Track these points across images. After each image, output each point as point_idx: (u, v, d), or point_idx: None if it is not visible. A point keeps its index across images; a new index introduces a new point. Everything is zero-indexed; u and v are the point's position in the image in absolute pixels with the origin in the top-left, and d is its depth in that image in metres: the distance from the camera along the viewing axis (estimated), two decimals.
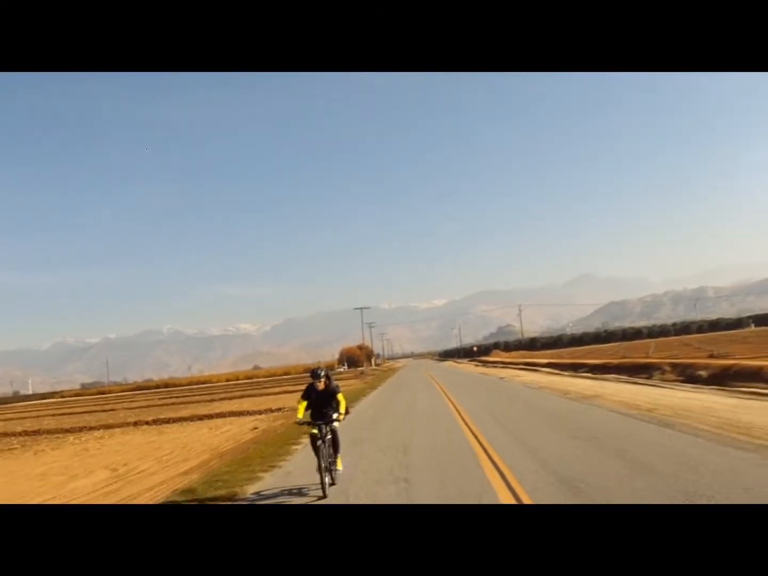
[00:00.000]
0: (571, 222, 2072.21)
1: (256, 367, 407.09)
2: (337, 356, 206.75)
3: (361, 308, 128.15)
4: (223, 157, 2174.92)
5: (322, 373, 10.81)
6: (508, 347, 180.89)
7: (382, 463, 12.71)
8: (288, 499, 10.48)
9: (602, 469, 10.27)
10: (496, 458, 11.94)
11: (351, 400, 34.95)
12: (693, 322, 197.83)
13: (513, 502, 8.33)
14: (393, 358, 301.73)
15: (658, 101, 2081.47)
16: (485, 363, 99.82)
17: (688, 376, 29.66)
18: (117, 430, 32.79)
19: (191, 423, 32.03)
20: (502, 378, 46.48)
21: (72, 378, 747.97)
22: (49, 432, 35.99)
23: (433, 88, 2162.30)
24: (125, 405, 67.70)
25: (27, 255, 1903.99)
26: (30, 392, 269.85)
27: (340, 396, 10.81)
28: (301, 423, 10.75)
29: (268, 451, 16.09)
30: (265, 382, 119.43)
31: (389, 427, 19.82)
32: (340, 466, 11.16)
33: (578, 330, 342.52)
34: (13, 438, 34.49)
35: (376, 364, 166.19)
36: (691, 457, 10.56)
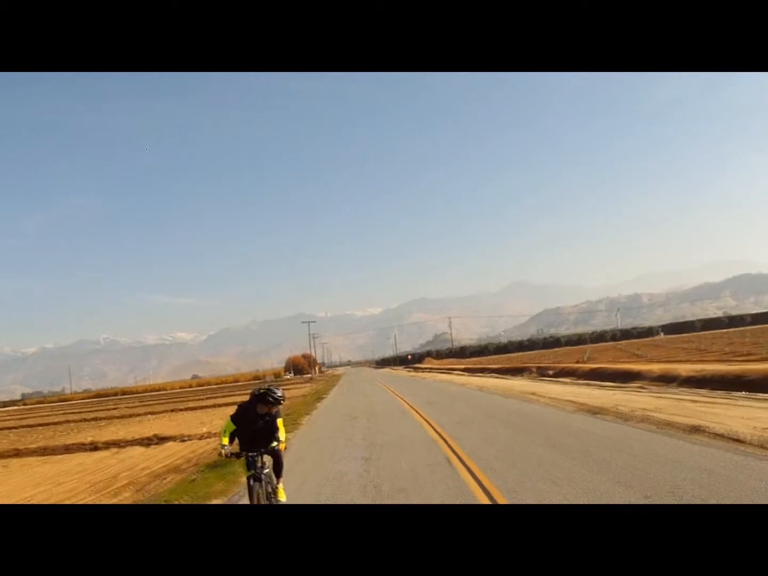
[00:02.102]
0: (505, 229, 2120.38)
1: (194, 376, 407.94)
2: (274, 365, 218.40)
3: (308, 322, 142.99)
4: (157, 166, 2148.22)
5: (280, 394, 8.02)
6: (439, 355, 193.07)
7: (360, 405, 31.00)
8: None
9: (443, 400, 28.62)
10: (405, 399, 30.47)
11: (323, 393, 51.60)
12: (607, 332, 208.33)
13: (411, 410, 25.27)
14: (331, 366, 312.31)
15: (591, 105, 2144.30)
16: (417, 369, 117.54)
17: (542, 374, 47.50)
18: (165, 414, 45.32)
19: (219, 408, 44.70)
20: (423, 378, 65.38)
21: (10, 389, 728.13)
22: (106, 419, 48.16)
23: (358, 94, 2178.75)
24: (112, 406, 76.54)
25: None
26: None
27: (279, 422, 8.25)
28: (228, 455, 8.00)
29: (305, 406, 33.33)
30: (219, 389, 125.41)
31: (357, 397, 39.00)
32: (282, 495, 8.46)
33: (514, 337, 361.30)
34: (86, 423, 45.87)
35: (321, 372, 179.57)
36: (471, 396, 29.48)
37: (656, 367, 33.16)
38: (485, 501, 8.58)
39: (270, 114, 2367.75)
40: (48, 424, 49.49)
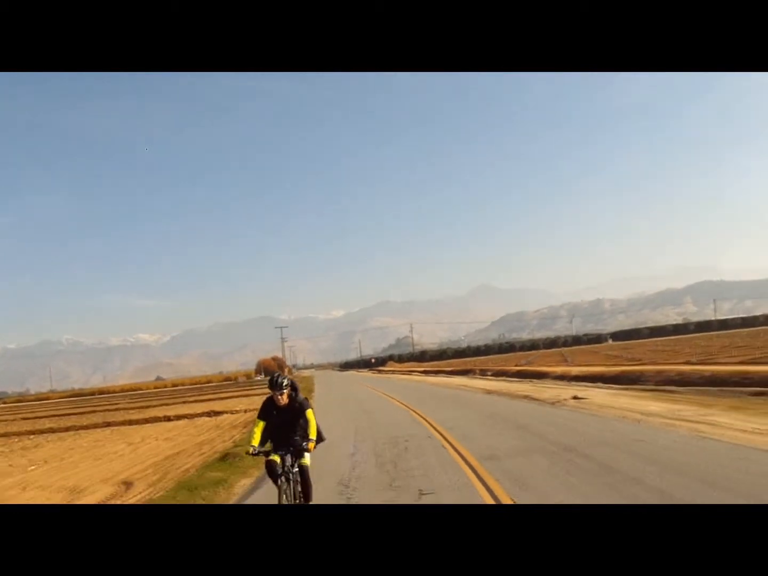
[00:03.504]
0: (470, 234, 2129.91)
1: (158, 378, 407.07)
2: (238, 367, 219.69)
3: (281, 327, 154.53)
4: (122, 168, 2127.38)
5: (285, 382, 7.92)
6: (401, 359, 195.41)
7: (345, 395, 44.48)
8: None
9: (403, 390, 41.94)
10: (377, 390, 43.70)
11: (309, 390, 62.84)
12: (560, 338, 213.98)
13: (383, 396, 37.92)
14: (296, 369, 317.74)
15: (557, 109, 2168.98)
16: (380, 371, 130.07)
17: (483, 374, 60.40)
18: (178, 405, 55.55)
19: (225, 400, 55.40)
20: (389, 378, 78.60)
21: None
22: (131, 409, 58.24)
23: (309, 98, 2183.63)
24: (109, 403, 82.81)
25: None
26: None
27: (309, 413, 7.99)
28: (255, 453, 7.86)
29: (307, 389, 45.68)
30: (197, 389, 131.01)
31: (341, 391, 51.78)
32: (305, 460, 8.12)
33: (477, 341, 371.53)
34: (114, 412, 56.12)
35: (291, 374, 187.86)
36: (423, 388, 43.21)
37: (560, 370, 46.18)
38: (422, 421, 20.81)
39: (223, 117, 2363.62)
40: (80, 414, 58.99)
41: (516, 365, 67.72)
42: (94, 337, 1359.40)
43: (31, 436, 35.47)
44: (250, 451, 7.82)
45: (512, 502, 8.46)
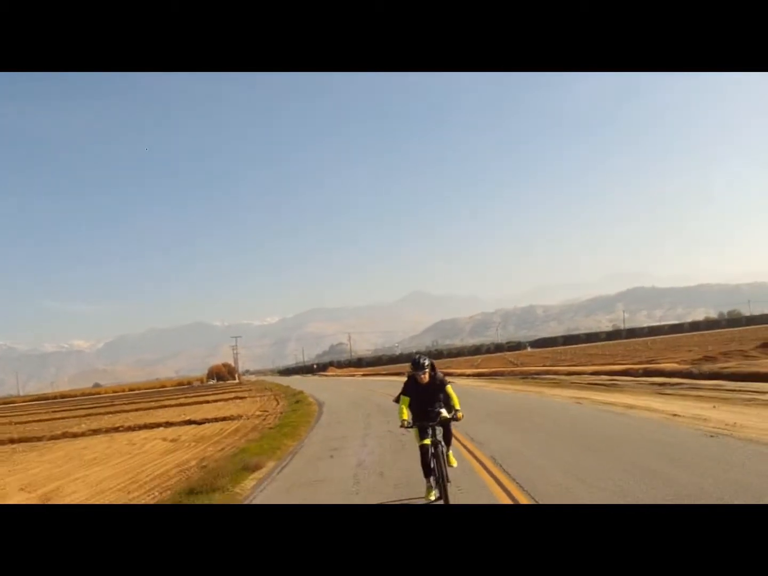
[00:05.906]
0: (402, 240, 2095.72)
1: (96, 385, 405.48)
2: (173, 374, 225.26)
3: (236, 337, 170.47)
4: (56, 169, 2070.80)
5: (426, 362, 8.69)
6: (340, 365, 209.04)
7: (325, 388, 67.79)
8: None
9: (351, 385, 65.90)
10: (342, 387, 66.39)
11: (288, 390, 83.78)
12: (485, 345, 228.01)
13: (348, 388, 59.82)
14: (247, 374, 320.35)
15: (485, 111, 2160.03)
16: (325, 376, 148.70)
17: None
18: (197, 397, 76.14)
19: (232, 392, 74.95)
20: (338, 380, 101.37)
21: None
22: (153, 400, 77.47)
23: (235, 99, 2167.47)
24: (97, 403, 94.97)
25: None
26: None
27: (449, 388, 8.92)
28: (409, 426, 8.76)
29: (295, 394, 67.40)
30: (157, 392, 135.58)
31: (318, 389, 73.70)
32: (453, 461, 9.39)
33: (410, 348, 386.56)
34: (134, 403, 73.89)
35: (241, 380, 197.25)
36: (367, 383, 67.17)
37: (460, 371, 68.91)
38: (371, 393, 43.04)
39: (157, 121, 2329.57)
40: (119, 405, 75.99)
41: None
42: (28, 343, 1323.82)
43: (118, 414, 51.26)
44: (405, 425, 8.68)
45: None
